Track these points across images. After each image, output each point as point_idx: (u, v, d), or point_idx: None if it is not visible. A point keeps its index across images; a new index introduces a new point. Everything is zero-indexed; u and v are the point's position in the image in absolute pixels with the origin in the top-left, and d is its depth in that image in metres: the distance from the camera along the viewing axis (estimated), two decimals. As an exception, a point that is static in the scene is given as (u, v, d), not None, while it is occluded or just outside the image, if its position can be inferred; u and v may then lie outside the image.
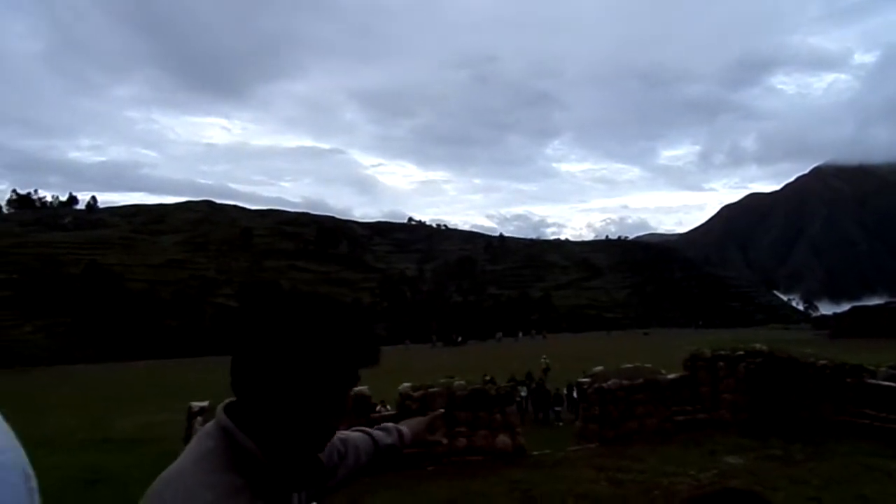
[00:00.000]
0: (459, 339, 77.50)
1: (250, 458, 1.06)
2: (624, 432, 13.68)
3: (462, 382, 13.20)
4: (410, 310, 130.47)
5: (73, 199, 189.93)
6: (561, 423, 19.25)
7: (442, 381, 13.69)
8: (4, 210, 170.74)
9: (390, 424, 1.69)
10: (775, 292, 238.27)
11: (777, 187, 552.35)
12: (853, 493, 8.95)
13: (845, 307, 75.15)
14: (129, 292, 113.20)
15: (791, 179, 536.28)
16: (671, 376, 14.92)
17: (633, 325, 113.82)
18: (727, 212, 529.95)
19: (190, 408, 12.65)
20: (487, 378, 18.65)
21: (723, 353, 15.04)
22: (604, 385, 14.03)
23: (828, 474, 9.98)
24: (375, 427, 1.64)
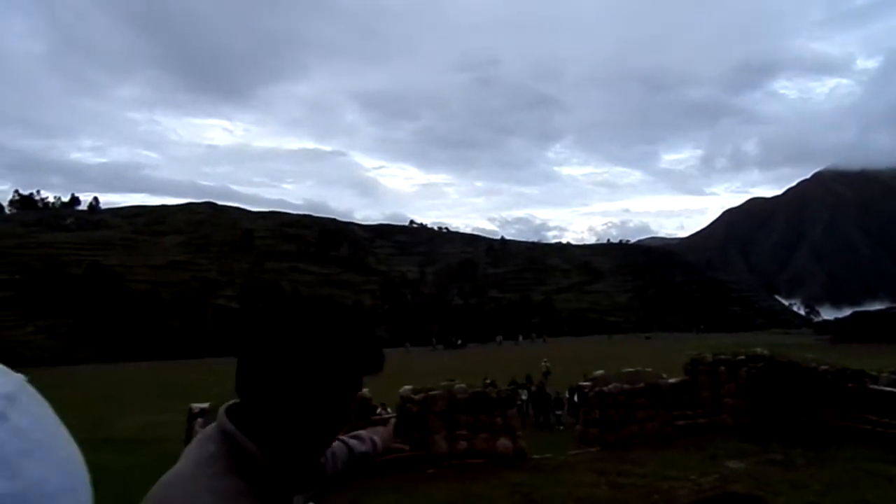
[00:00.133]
0: (459, 342, 77.47)
1: (252, 462, 1.05)
2: (625, 436, 13.66)
3: (463, 385, 13.19)
4: (411, 312, 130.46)
5: (75, 200, 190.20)
6: (562, 427, 19.24)
7: (443, 383, 13.67)
8: (7, 210, 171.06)
9: (363, 433, 1.71)
10: (776, 297, 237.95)
11: (779, 192, 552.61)
12: (854, 499, 8.94)
13: (847, 312, 75.00)
14: (131, 293, 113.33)
15: (793, 184, 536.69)
16: (672, 380, 14.92)
17: (634, 329, 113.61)
18: (729, 216, 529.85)
19: (190, 409, 12.64)
20: (488, 381, 18.66)
21: (724, 357, 15.03)
22: (605, 389, 14.02)
23: (829, 479, 9.96)
24: (349, 435, 1.66)
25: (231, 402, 1.13)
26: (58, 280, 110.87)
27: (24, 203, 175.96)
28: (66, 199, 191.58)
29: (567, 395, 21.19)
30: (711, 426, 14.17)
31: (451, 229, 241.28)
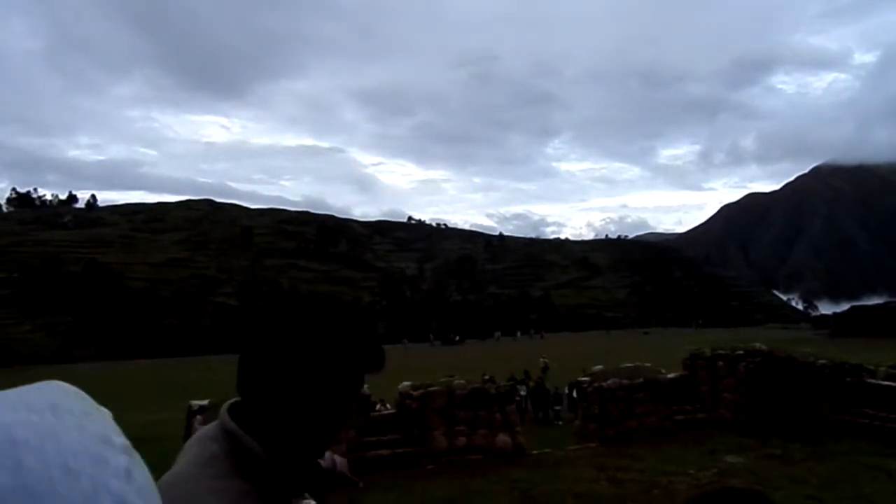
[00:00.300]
0: (457, 338, 77.47)
1: (256, 462, 1.04)
2: (624, 431, 13.69)
3: (462, 381, 13.20)
4: (410, 309, 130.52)
5: (72, 198, 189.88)
6: (560, 423, 19.26)
7: (442, 380, 13.69)
8: (4, 208, 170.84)
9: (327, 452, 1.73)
10: (775, 292, 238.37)
11: (777, 187, 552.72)
12: (853, 493, 8.97)
13: (845, 307, 75.05)
14: (130, 291, 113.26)
15: (791, 179, 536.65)
16: (671, 375, 14.95)
17: (632, 325, 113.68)
18: (727, 211, 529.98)
19: (190, 407, 12.63)
20: (487, 377, 18.67)
21: (722, 352, 15.07)
22: (603, 384, 14.04)
23: (827, 473, 9.99)
24: None
25: (232, 400, 1.13)
26: (56, 278, 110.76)
27: (22, 201, 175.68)
28: (63, 196, 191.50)
29: (566, 391, 21.21)
30: (710, 421, 14.21)
31: (450, 225, 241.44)
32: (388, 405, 15.09)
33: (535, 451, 12.88)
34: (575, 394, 19.37)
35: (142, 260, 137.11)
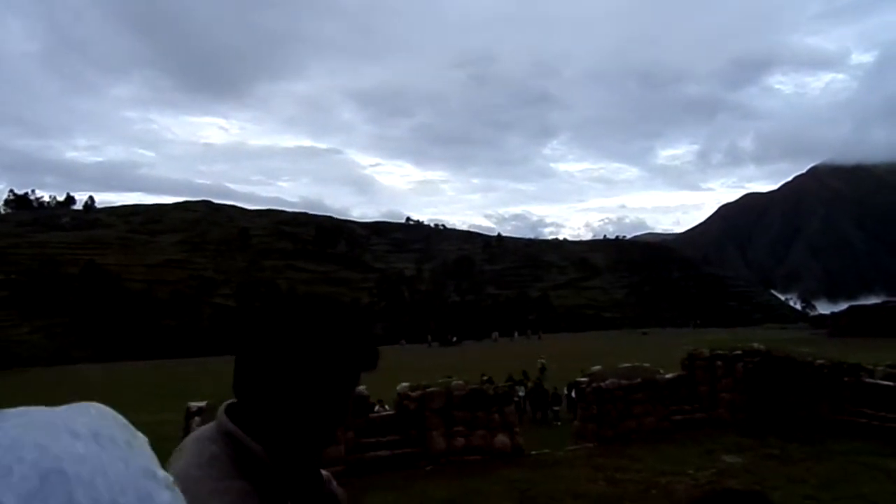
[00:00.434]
0: (454, 339, 77.43)
1: (257, 462, 1.05)
2: (622, 432, 13.68)
3: (460, 382, 13.18)
4: (409, 309, 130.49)
5: (70, 199, 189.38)
6: (559, 423, 19.26)
7: (440, 380, 13.67)
8: (2, 210, 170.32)
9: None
10: (773, 292, 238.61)
11: (774, 187, 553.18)
12: (851, 492, 8.96)
13: (843, 306, 75.15)
14: (127, 292, 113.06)
15: (789, 179, 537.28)
16: (669, 376, 14.94)
17: (631, 325, 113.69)
18: (725, 211, 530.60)
19: (188, 408, 12.61)
20: (485, 378, 18.64)
21: (721, 352, 15.07)
22: (602, 384, 14.03)
23: (826, 473, 9.99)
24: None
25: (229, 401, 1.13)
26: (54, 279, 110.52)
27: (20, 203, 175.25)
28: (61, 198, 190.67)
29: (565, 391, 21.20)
30: (708, 421, 14.21)
31: (448, 226, 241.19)
32: (386, 406, 15.08)
33: (533, 452, 12.87)
34: (573, 394, 19.38)
35: (140, 261, 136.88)
